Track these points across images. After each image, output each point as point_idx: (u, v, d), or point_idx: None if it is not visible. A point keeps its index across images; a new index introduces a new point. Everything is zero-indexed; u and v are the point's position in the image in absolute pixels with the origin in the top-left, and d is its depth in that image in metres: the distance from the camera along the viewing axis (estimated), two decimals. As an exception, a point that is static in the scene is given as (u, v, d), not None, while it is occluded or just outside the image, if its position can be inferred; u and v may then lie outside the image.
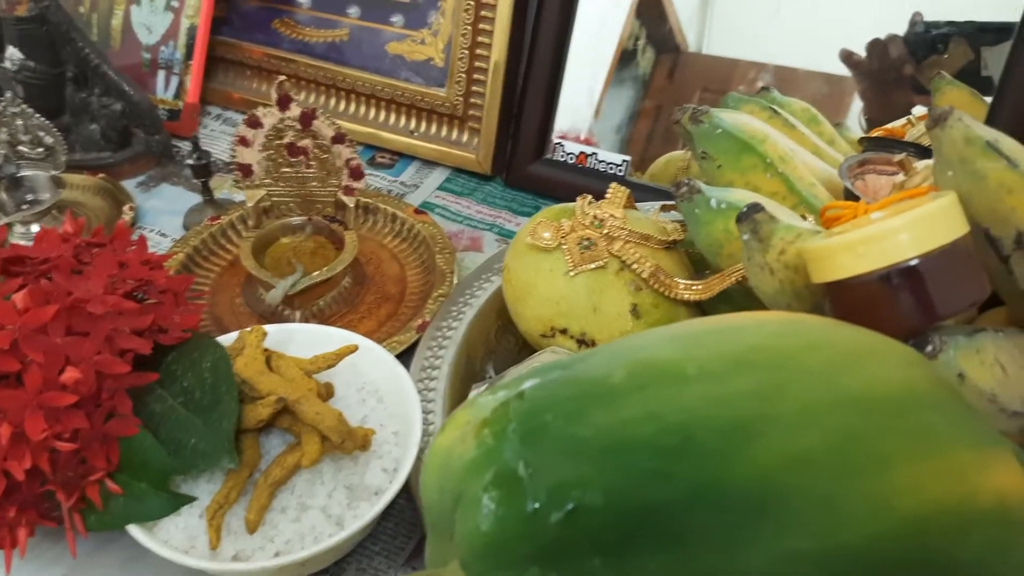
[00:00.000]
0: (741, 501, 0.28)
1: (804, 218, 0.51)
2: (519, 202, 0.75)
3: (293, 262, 0.63)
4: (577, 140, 0.74)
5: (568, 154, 0.73)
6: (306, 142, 0.62)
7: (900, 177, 0.50)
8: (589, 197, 0.56)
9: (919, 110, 0.80)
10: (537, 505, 0.28)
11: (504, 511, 0.29)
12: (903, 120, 0.81)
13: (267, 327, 0.52)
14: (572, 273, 0.52)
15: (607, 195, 0.56)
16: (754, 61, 0.76)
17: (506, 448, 0.30)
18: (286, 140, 0.62)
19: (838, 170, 0.58)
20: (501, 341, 0.60)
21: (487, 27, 0.73)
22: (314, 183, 0.64)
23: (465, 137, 0.77)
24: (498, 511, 0.29)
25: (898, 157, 0.59)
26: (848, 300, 0.39)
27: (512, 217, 0.74)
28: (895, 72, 0.72)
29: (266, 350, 0.49)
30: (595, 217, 0.54)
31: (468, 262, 0.69)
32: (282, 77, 0.60)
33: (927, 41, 0.72)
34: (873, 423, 0.30)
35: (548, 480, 0.29)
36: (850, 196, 0.56)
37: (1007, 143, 0.39)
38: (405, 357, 0.58)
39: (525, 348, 0.58)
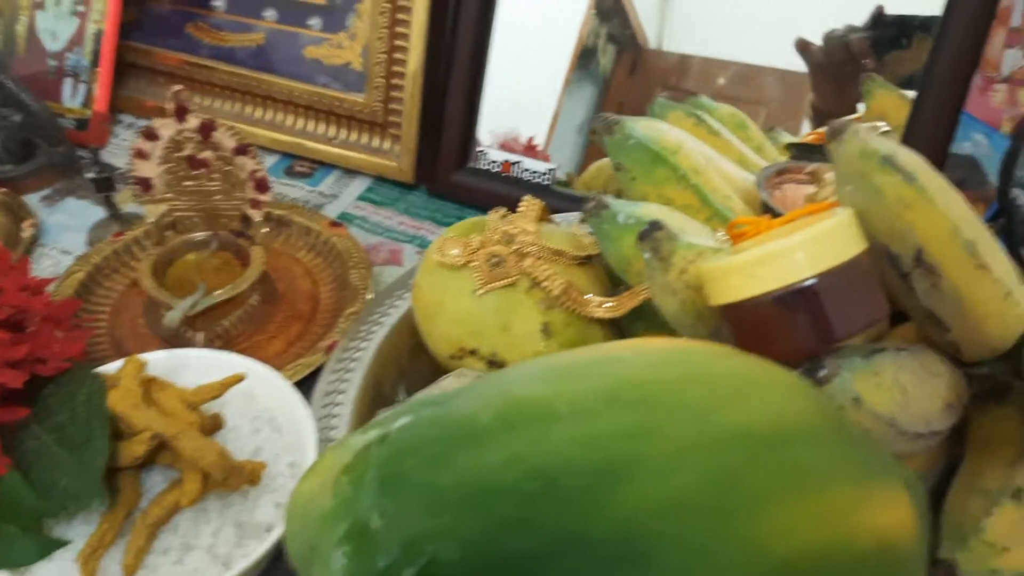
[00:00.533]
0: (607, 551, 0.27)
1: (716, 231, 0.51)
2: (443, 212, 0.74)
3: (196, 281, 0.61)
4: (527, 147, 0.73)
5: (492, 162, 0.72)
6: (207, 154, 0.60)
7: (812, 188, 0.50)
8: (503, 211, 0.55)
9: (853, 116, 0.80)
10: (389, 561, 0.27)
11: (354, 568, 0.27)
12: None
13: (158, 354, 0.50)
14: (481, 291, 0.51)
15: (520, 208, 0.55)
16: (714, 58, 0.75)
17: (363, 497, 0.29)
18: (186, 152, 0.60)
19: (756, 180, 0.57)
20: (414, 362, 0.59)
21: (404, 31, 0.72)
22: (218, 196, 0.62)
23: (386, 144, 0.76)
24: (348, 568, 0.27)
25: (811, 167, 0.58)
26: (743, 323, 0.39)
27: (435, 228, 0.72)
28: (852, 65, 0.72)
29: (152, 379, 0.47)
30: (505, 233, 0.53)
31: (387, 276, 0.67)
32: (178, 86, 0.58)
33: (889, 35, 0.72)
34: (748, 462, 0.29)
35: (403, 533, 0.27)
36: (768, 208, 0.56)
37: (904, 157, 0.39)
38: (313, 380, 0.56)
39: (439, 369, 0.57)
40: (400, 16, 0.72)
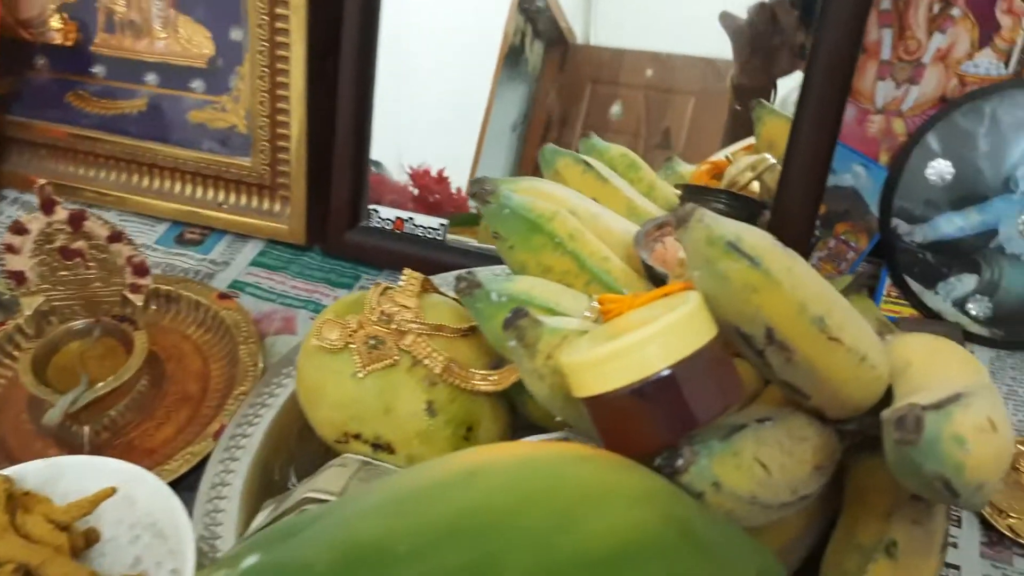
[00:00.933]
0: None
1: (592, 298, 0.51)
2: (338, 272, 0.74)
3: (79, 371, 0.60)
4: (438, 179, 0.72)
5: (384, 220, 0.72)
6: (80, 244, 0.59)
7: (682, 253, 0.51)
8: (383, 286, 0.55)
9: (743, 143, 0.81)
10: None
11: None
12: (730, 151, 0.83)
13: (30, 465, 0.49)
14: (361, 374, 0.51)
15: (400, 283, 0.55)
16: (642, 50, 0.76)
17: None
18: (57, 244, 0.59)
19: (634, 238, 0.58)
20: (304, 443, 0.58)
21: (284, 93, 0.71)
22: (96, 283, 0.61)
23: (276, 207, 0.75)
24: None
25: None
26: (603, 415, 0.39)
27: (330, 290, 0.72)
28: (779, 37, 0.72)
29: (23, 495, 0.46)
30: (383, 313, 0.52)
31: (280, 346, 0.67)
32: (42, 181, 0.57)
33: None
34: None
35: None
36: (644, 264, 0.56)
37: (750, 240, 0.39)
38: (203, 469, 0.56)
39: (330, 449, 0.57)
40: (280, 79, 0.71)
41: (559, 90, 0.76)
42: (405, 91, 0.73)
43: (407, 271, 0.55)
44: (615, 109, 0.78)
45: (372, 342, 0.52)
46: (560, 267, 0.54)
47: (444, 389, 0.52)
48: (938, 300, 0.67)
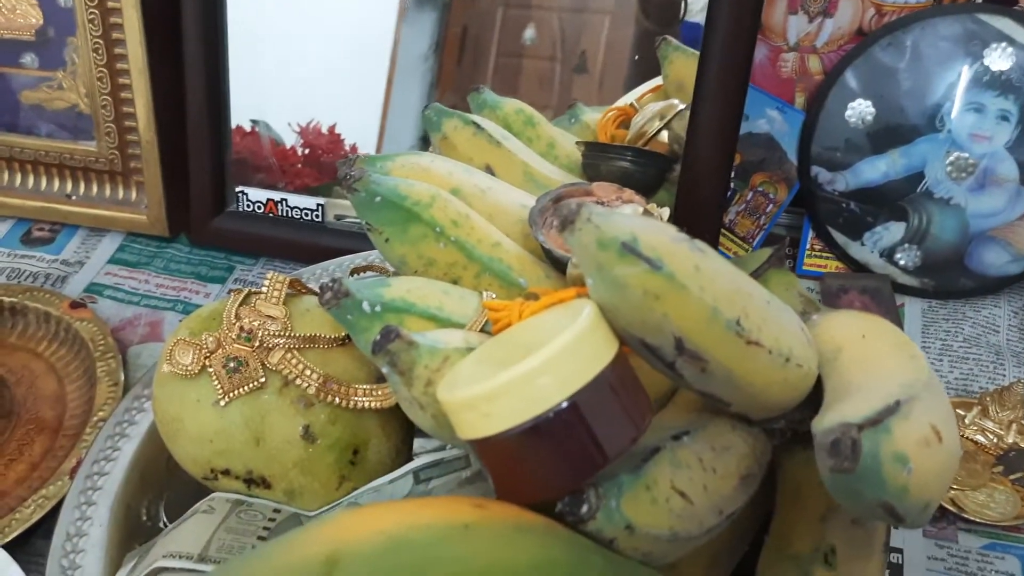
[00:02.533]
0: None
1: (484, 293, 0.46)
2: (209, 264, 0.66)
3: (-95, 412, 0.53)
4: (330, 137, 0.66)
5: (254, 203, 0.65)
6: None
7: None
8: (245, 293, 0.48)
9: (650, 84, 0.76)
10: None
11: None
12: (637, 94, 0.77)
13: None
14: (223, 402, 0.45)
15: (263, 288, 0.48)
16: None
17: None
18: None
19: (529, 215, 0.52)
20: (176, 472, 0.52)
21: (124, 66, 0.63)
22: (-85, 309, 0.53)
23: (133, 195, 0.67)
24: None
25: (591, 186, 0.53)
26: (493, 459, 0.33)
27: (200, 286, 0.65)
28: None
29: None
30: (243, 329, 0.46)
31: (146, 357, 0.60)
32: None
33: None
34: None
35: None
36: (543, 247, 0.51)
37: (648, 239, 0.34)
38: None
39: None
40: (117, 49, 0.62)
41: (470, 16, 0.69)
42: (277, 39, 0.65)
43: (271, 275, 0.48)
44: (529, 33, 0.73)
45: (232, 364, 0.45)
46: (445, 259, 0.48)
47: (322, 410, 0.46)
48: (865, 251, 0.63)
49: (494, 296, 0.45)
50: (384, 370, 0.38)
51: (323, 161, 0.70)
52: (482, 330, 0.43)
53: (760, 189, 0.65)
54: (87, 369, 0.58)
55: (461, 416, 0.33)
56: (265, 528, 0.43)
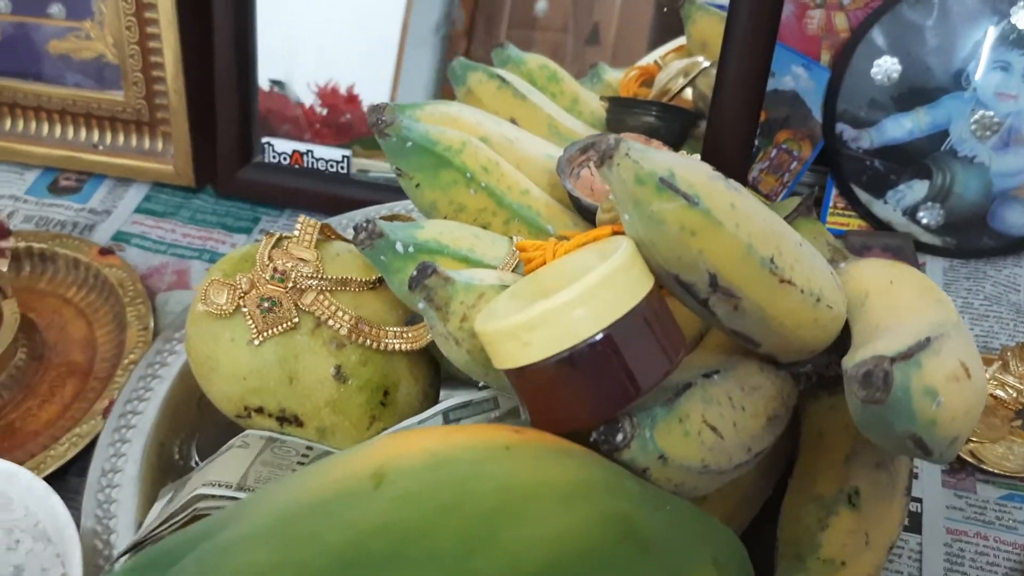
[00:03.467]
0: None
1: (510, 241, 0.46)
2: (234, 216, 0.67)
3: (-60, 352, 0.54)
4: (348, 99, 0.66)
5: (280, 154, 0.65)
6: (-78, 207, 0.52)
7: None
8: (276, 236, 0.49)
9: (674, 44, 0.76)
10: None
11: None
12: (660, 53, 0.77)
13: None
14: (257, 341, 0.46)
15: (295, 231, 0.49)
16: None
17: None
18: None
19: (557, 164, 0.53)
20: (206, 415, 0.53)
21: (152, 15, 0.63)
22: (-50, 250, 0.54)
23: (160, 145, 0.68)
24: None
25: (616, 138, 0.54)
26: (529, 388, 0.34)
27: (226, 236, 0.66)
28: None
29: None
30: (276, 270, 0.47)
31: (173, 304, 0.61)
32: None
33: None
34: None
35: None
36: (570, 196, 0.51)
37: (685, 175, 0.34)
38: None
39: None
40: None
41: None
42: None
43: (302, 218, 0.49)
44: (541, 4, 0.73)
45: (266, 304, 0.46)
46: (475, 205, 0.49)
47: (354, 351, 0.46)
48: (887, 210, 0.63)
49: (520, 240, 0.46)
50: (420, 305, 0.39)
51: (342, 122, 0.70)
52: (513, 271, 0.44)
53: (784, 146, 0.65)
54: (116, 314, 0.59)
55: (500, 346, 0.34)
56: (299, 463, 0.44)
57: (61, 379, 0.56)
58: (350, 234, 0.54)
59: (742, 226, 0.35)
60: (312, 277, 0.47)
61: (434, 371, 0.50)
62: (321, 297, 0.46)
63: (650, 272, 0.35)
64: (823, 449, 0.44)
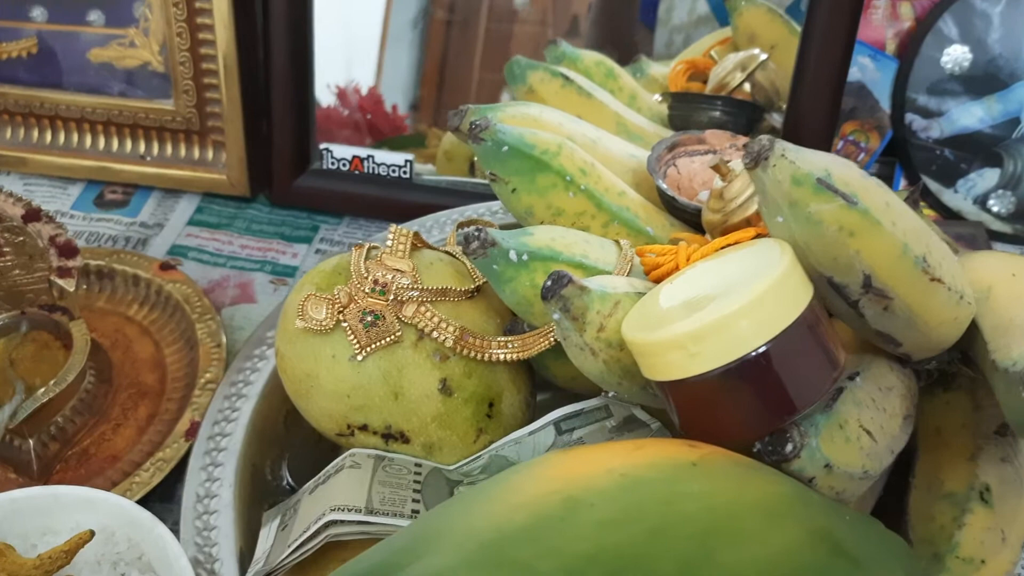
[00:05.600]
0: None
1: (619, 242, 0.45)
2: (291, 225, 0.66)
3: (10, 375, 0.52)
4: (370, 98, 0.65)
5: (339, 160, 0.64)
6: (-9, 228, 0.50)
7: (719, 181, 0.45)
8: (366, 247, 0.48)
9: (717, 36, 0.75)
10: None
11: None
12: (703, 46, 0.77)
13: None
14: (360, 357, 0.44)
15: (387, 243, 0.48)
16: None
17: None
18: (-38, 231, 0.50)
19: (647, 164, 0.52)
20: (293, 431, 0.52)
21: (206, 20, 0.62)
22: (16, 272, 0.53)
23: (210, 155, 0.66)
24: None
25: (703, 135, 0.53)
26: (688, 400, 0.34)
27: (286, 246, 0.64)
28: None
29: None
30: (375, 282, 0.45)
31: (240, 319, 0.59)
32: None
33: None
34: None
35: None
36: (663, 196, 0.50)
37: (841, 174, 0.34)
38: (179, 475, 0.49)
39: (323, 437, 0.51)
40: (198, 3, 0.61)
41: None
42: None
43: (394, 228, 0.48)
44: None
45: (369, 318, 0.45)
46: (573, 209, 0.48)
47: (458, 363, 0.45)
48: (958, 199, 0.63)
49: (628, 244, 0.45)
50: (555, 316, 0.38)
51: (366, 122, 0.69)
52: (627, 276, 0.43)
53: (851, 138, 0.65)
54: (184, 331, 0.57)
55: (659, 357, 0.33)
56: (415, 482, 0.43)
57: (133, 401, 0.55)
58: (435, 240, 0.53)
59: (898, 224, 0.34)
60: (412, 288, 0.46)
61: (533, 379, 0.50)
62: (423, 308, 0.45)
63: (809, 281, 0.34)
64: (943, 446, 0.44)
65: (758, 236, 0.37)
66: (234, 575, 0.44)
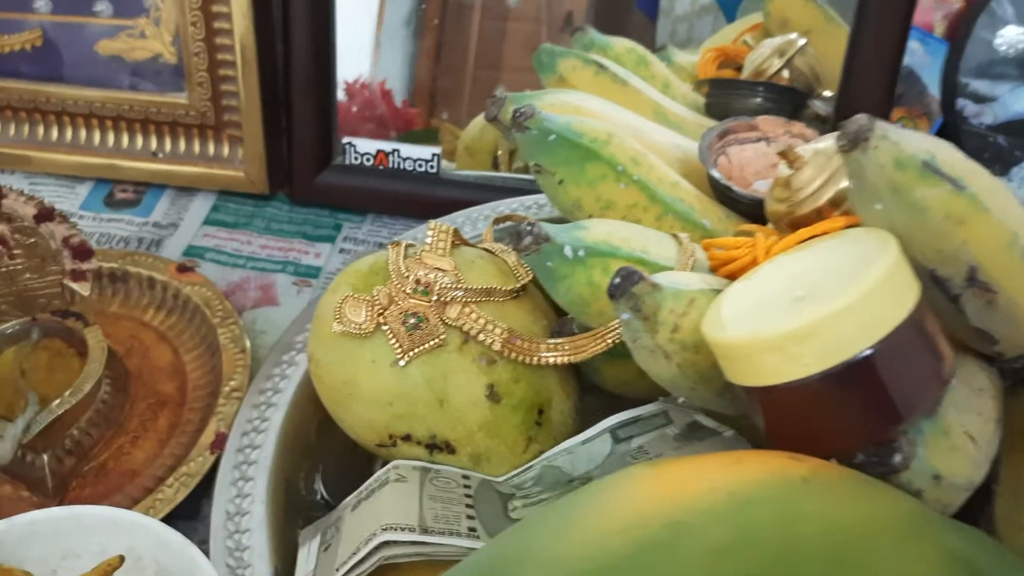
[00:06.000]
0: None
1: (676, 239, 0.42)
2: (313, 223, 0.62)
3: (21, 388, 0.49)
4: (383, 94, 0.62)
5: (362, 155, 0.61)
6: (0, 229, 0.47)
7: (785, 169, 0.42)
8: (403, 244, 0.45)
9: (747, 22, 0.73)
10: None
11: None
12: (732, 33, 0.74)
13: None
14: (402, 362, 0.41)
15: (427, 240, 0.44)
16: None
17: None
18: (-30, 232, 0.47)
19: (698, 152, 0.49)
20: (325, 441, 0.49)
21: (222, 8, 0.58)
22: (27, 275, 0.50)
23: (226, 150, 0.63)
24: None
25: (754, 121, 0.50)
26: (781, 407, 0.31)
27: (308, 246, 0.61)
28: None
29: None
30: (417, 282, 0.42)
31: (262, 322, 0.56)
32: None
33: None
34: None
35: None
36: (715, 186, 0.47)
37: (946, 156, 0.31)
38: (205, 491, 0.46)
39: (357, 446, 0.47)
40: (214, -9, 0.58)
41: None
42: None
43: (433, 224, 0.45)
44: None
45: (412, 320, 0.42)
46: (625, 201, 0.45)
47: (505, 367, 0.42)
48: (1011, 188, 0.60)
49: (688, 237, 0.42)
50: (624, 316, 0.35)
51: (375, 116, 0.66)
52: (691, 272, 0.40)
53: (899, 124, 0.62)
54: (204, 336, 0.54)
55: (754, 360, 0.30)
56: (466, 495, 0.40)
57: (151, 412, 0.52)
58: (468, 238, 0.50)
59: (1007, 212, 0.31)
60: (456, 288, 0.42)
61: (582, 384, 0.47)
62: (467, 309, 0.42)
63: (915, 276, 0.31)
64: (1030, 449, 0.41)
65: (849, 226, 0.34)
66: (270, 598, 0.41)
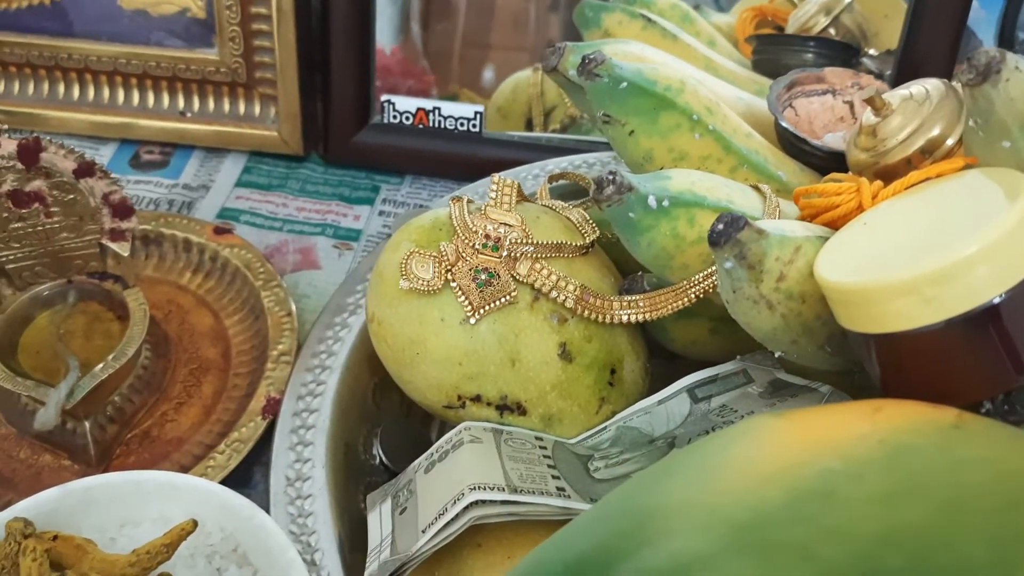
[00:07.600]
0: None
1: (757, 190, 0.41)
2: (350, 184, 0.61)
3: (60, 353, 0.47)
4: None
5: (402, 113, 0.59)
6: (37, 184, 0.45)
7: (871, 117, 0.40)
8: (465, 199, 0.43)
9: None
10: None
11: None
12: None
13: (38, 499, 0.37)
14: (473, 320, 0.40)
15: (491, 194, 0.43)
16: None
17: None
18: (5, 188, 0.45)
19: (767, 104, 0.47)
20: (381, 403, 0.47)
21: (257, -42, 0.56)
22: (64, 234, 0.48)
23: (257, 109, 0.61)
24: None
25: (821, 73, 0.49)
26: (907, 355, 0.29)
27: (347, 208, 0.59)
28: None
29: (54, 538, 0.34)
30: (488, 236, 0.41)
31: (304, 287, 0.54)
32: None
33: None
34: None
35: None
36: (786, 138, 0.46)
37: (1080, 91, 0.29)
38: (259, 457, 0.45)
39: (413, 409, 0.46)
40: (247, -62, 0.56)
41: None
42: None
43: (497, 177, 0.43)
44: None
45: (483, 276, 0.40)
46: (698, 152, 0.43)
47: (576, 326, 0.41)
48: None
49: (769, 188, 0.41)
50: (727, 265, 0.33)
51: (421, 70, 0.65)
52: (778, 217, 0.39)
53: (953, 82, 0.60)
54: (246, 300, 0.52)
55: (884, 306, 0.29)
56: (545, 456, 0.38)
57: (194, 378, 0.50)
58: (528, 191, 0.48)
59: None
60: (525, 243, 0.41)
61: (650, 343, 0.45)
62: (538, 265, 0.41)
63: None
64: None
65: (967, 167, 0.33)
66: (336, 564, 0.39)
